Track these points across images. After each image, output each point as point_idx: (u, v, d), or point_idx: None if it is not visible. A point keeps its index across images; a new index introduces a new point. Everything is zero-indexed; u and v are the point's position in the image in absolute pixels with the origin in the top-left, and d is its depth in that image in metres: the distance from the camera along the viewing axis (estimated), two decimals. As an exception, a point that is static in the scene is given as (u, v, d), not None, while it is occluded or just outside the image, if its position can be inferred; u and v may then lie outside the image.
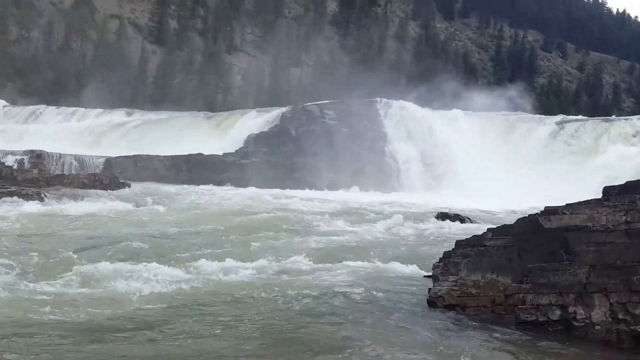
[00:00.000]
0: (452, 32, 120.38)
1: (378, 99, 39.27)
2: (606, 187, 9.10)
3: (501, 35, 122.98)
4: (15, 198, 18.71)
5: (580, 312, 7.91)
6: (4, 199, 18.50)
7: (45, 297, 8.90)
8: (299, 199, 23.62)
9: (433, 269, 10.03)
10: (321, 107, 38.68)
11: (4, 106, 48.99)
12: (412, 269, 11.50)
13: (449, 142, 35.16)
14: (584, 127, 35.35)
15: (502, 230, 9.52)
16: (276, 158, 35.14)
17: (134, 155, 32.78)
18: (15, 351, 6.51)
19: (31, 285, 9.56)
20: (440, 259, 9.99)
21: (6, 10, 69.54)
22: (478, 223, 17.21)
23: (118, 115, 45.68)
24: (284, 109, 39.78)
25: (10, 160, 26.95)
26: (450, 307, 8.94)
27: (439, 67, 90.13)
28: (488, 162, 32.32)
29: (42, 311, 8.10)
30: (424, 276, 10.62)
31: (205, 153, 34.28)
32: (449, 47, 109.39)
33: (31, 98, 56.29)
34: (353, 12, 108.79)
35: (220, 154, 34.77)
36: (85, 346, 6.82)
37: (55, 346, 6.78)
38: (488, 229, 10.13)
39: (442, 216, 18.63)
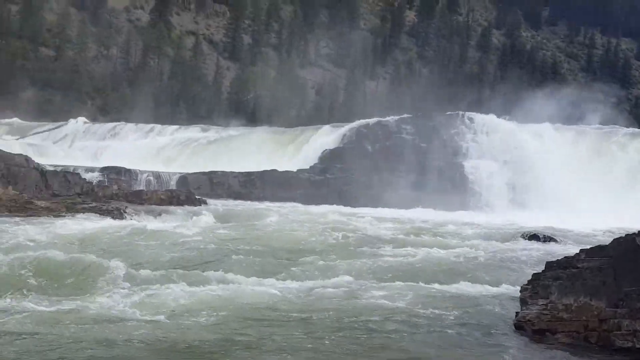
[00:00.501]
0: (538, 40, 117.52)
1: (459, 112, 38.78)
2: None
3: (592, 43, 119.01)
4: (96, 214, 19.50)
5: (683, 339, 7.68)
6: (86, 214, 19.35)
7: (138, 310, 9.34)
8: (375, 218, 23.58)
9: (521, 291, 9.95)
10: (398, 121, 38.45)
11: (85, 123, 50.78)
12: (497, 292, 11.40)
13: (536, 157, 34.33)
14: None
15: (596, 251, 9.35)
16: (351, 175, 35.08)
17: (209, 172, 33.35)
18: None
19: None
20: (528, 281, 9.93)
21: (85, 29, 72.63)
22: (568, 244, 16.82)
23: (193, 132, 46.66)
24: (359, 124, 39.72)
25: (90, 177, 27.95)
26: (539, 332, 8.84)
27: (525, 78, 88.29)
28: (579, 178, 31.43)
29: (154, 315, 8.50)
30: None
31: (279, 169, 34.62)
32: (535, 57, 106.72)
33: (110, 115, 58.71)
34: (432, 22, 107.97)
35: (294, 170, 35.03)
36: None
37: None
38: (581, 250, 9.93)
39: (529, 236, 18.27)
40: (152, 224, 18.62)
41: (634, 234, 8.79)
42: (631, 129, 38.98)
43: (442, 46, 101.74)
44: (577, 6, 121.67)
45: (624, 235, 9.09)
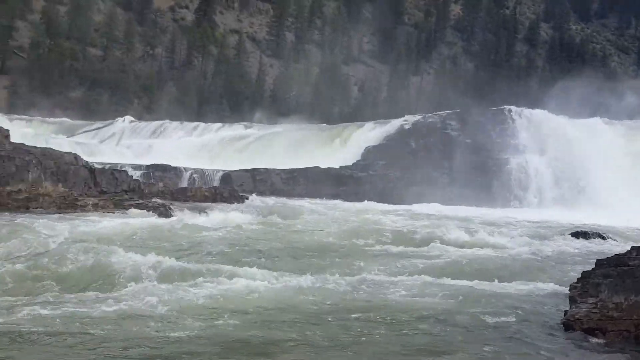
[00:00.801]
0: (588, 33, 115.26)
1: (506, 107, 38.24)
2: None
3: None
4: (142, 211, 19.77)
5: None
6: (132, 211, 19.63)
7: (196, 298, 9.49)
8: (417, 215, 23.47)
9: (570, 289, 9.80)
10: (443, 117, 38.15)
11: (131, 122, 51.67)
12: (544, 290, 11.24)
13: (587, 153, 33.69)
14: None
15: (649, 249, 9.21)
16: (394, 171, 34.96)
17: (252, 169, 33.56)
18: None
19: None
20: (578, 279, 9.78)
21: (131, 29, 73.93)
22: (619, 241, 16.50)
23: (237, 130, 47.14)
24: (402, 120, 39.56)
25: (137, 174, 28.39)
26: (588, 331, 8.64)
27: (575, 71, 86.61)
28: (630, 175, 30.83)
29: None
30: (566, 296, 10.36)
31: (322, 166, 34.66)
32: (585, 50, 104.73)
33: (156, 113, 59.57)
34: (478, 16, 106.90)
35: (337, 167, 35.05)
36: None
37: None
38: (632, 247, 9.81)
39: (579, 233, 17.97)
40: (195, 220, 18.79)
41: (688, 230, 8.60)
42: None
43: (488, 40, 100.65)
44: None
45: (677, 232, 8.89)
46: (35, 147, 24.26)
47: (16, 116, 50.57)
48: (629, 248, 9.77)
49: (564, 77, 71.37)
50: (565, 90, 50.49)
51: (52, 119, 53.81)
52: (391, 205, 28.89)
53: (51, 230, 14.63)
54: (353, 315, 9.25)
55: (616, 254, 9.70)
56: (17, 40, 68.06)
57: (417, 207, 28.10)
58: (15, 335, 7.72)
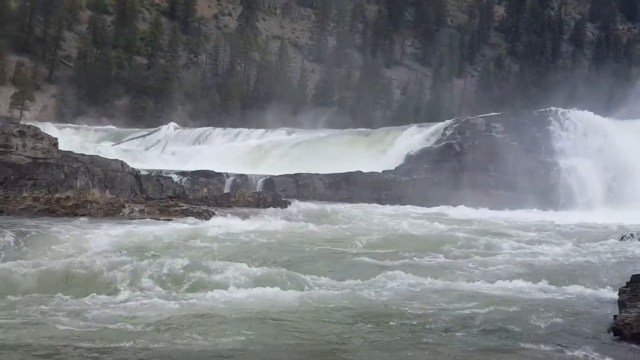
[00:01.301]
0: (636, 33, 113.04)
1: (552, 108, 37.66)
2: None
3: None
4: (187, 217, 20.01)
5: None
6: (178, 217, 19.89)
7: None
8: (462, 219, 23.34)
9: (620, 294, 9.69)
10: (487, 119, 37.69)
11: (176, 129, 52.37)
12: (593, 294, 11.10)
13: (634, 155, 33.10)
14: None
15: (700, 252, 9.04)
16: (438, 175, 34.64)
17: (294, 174, 33.61)
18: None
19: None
20: (627, 283, 9.68)
21: (176, 37, 74.96)
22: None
23: (279, 135, 47.28)
24: (446, 123, 39.21)
25: (182, 180, 28.75)
26: (638, 337, 8.45)
27: (622, 72, 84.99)
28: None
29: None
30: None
31: (365, 171, 34.56)
32: (632, 51, 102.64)
33: (199, 120, 60.34)
34: (522, 17, 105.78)
35: (380, 171, 34.89)
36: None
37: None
38: (683, 250, 9.62)
39: (627, 236, 17.68)
40: (238, 225, 18.92)
41: None
42: None
43: (533, 41, 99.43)
44: None
45: None
46: (83, 154, 24.79)
47: (64, 124, 51.72)
48: (681, 251, 9.60)
49: (611, 77, 70.21)
50: (613, 91, 49.62)
51: (98, 127, 54.91)
52: (435, 208, 28.85)
53: (97, 236, 14.94)
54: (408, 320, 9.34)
55: None
56: (64, 50, 69.63)
57: (462, 212, 27.91)
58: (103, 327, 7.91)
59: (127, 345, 7.66)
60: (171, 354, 7.43)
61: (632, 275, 9.72)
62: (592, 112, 37.38)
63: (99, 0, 76.41)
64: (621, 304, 9.37)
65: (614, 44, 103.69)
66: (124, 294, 10.49)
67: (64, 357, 7.20)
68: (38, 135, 22.96)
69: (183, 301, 10.03)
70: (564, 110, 37.26)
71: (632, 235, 17.89)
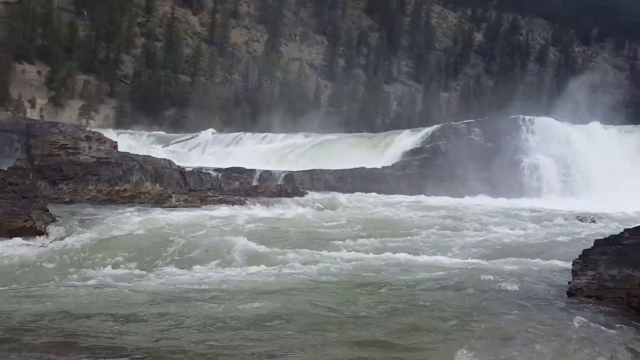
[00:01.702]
0: (589, 54, 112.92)
1: (520, 116, 37.60)
2: None
3: (635, 56, 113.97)
4: (223, 204, 20.16)
5: None
6: (215, 205, 19.99)
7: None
8: (448, 206, 23.30)
9: (573, 264, 9.71)
10: (468, 125, 37.62)
11: (213, 133, 52.52)
12: (551, 265, 11.09)
13: (586, 152, 33.07)
14: None
15: (638, 230, 9.07)
16: (427, 170, 34.66)
17: (310, 170, 33.70)
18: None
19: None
20: (579, 256, 9.67)
21: (213, 59, 75.27)
22: (611, 225, 16.09)
23: (298, 138, 47.27)
24: (434, 128, 39.14)
25: (218, 175, 28.92)
26: (588, 297, 8.58)
27: (577, 86, 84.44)
28: (625, 169, 30.06)
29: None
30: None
31: (367, 167, 34.64)
32: (586, 68, 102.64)
33: (233, 126, 60.43)
34: (497, 42, 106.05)
35: (379, 167, 34.95)
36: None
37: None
38: (625, 229, 9.63)
39: (579, 218, 17.68)
40: (265, 211, 19.06)
41: (674, 214, 8.37)
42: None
43: (505, 62, 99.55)
44: (623, 25, 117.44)
45: (664, 216, 8.67)
46: (137, 155, 25.05)
47: (122, 131, 52.04)
48: (622, 230, 9.61)
49: (568, 90, 69.53)
50: (570, 102, 49.55)
51: (150, 133, 55.14)
52: (423, 196, 28.86)
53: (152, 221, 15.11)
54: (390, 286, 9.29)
55: (611, 235, 9.56)
56: (122, 70, 70.06)
57: (447, 200, 27.82)
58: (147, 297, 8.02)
59: (192, 310, 7.69)
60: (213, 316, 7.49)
61: (583, 249, 9.74)
62: (552, 119, 37.35)
63: (151, 30, 76.73)
64: (574, 272, 9.41)
65: (571, 63, 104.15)
66: (189, 266, 10.50)
67: (133, 319, 7.27)
68: (101, 139, 23.24)
69: (214, 273, 10.06)
70: (530, 117, 37.14)
71: (584, 217, 17.91)
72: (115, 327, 6.76)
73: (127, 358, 5.74)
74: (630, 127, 37.71)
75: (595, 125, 36.38)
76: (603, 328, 7.32)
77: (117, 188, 20.90)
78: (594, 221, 17.40)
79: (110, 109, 64.84)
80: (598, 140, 34.30)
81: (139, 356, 5.80)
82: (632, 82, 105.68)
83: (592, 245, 9.57)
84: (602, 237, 9.69)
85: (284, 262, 10.79)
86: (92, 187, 20.73)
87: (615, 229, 12.07)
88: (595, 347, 6.53)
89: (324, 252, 11.79)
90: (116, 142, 24.04)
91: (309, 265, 10.66)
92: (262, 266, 10.55)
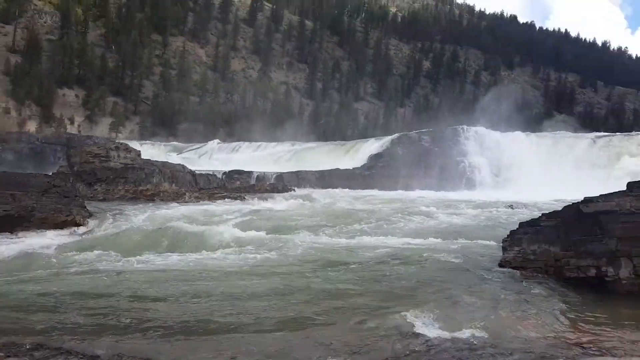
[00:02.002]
0: (513, 77, 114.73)
1: (459, 126, 38.03)
2: (630, 182, 8.41)
3: (548, 77, 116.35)
4: (227, 199, 20.07)
5: (611, 270, 7.42)
6: (221, 200, 19.91)
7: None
8: (406, 197, 23.42)
9: (502, 242, 9.78)
10: (419, 134, 37.95)
11: (218, 143, 52.30)
12: (486, 243, 11.12)
13: (512, 154, 33.44)
14: (612, 141, 32.41)
15: (553, 215, 9.14)
16: (388, 170, 34.85)
17: (296, 171, 33.71)
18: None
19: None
20: (507, 235, 9.73)
21: (217, 83, 74.77)
22: (533, 210, 16.28)
23: (286, 146, 47.27)
24: (393, 136, 39.40)
25: (223, 176, 28.73)
26: (515, 268, 8.68)
27: (504, 102, 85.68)
28: (542, 167, 30.51)
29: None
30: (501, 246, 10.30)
31: (341, 168, 34.74)
32: (510, 88, 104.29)
33: (234, 137, 59.95)
34: (441, 68, 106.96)
35: (351, 168, 35.10)
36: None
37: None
38: (542, 214, 9.67)
39: (508, 206, 17.85)
40: (262, 204, 18.98)
41: (578, 202, 8.52)
42: (577, 134, 37.55)
43: (447, 84, 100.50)
44: (538, 53, 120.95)
45: (571, 203, 8.81)
46: (157, 161, 24.76)
47: (144, 141, 51.41)
48: (540, 214, 9.68)
49: (497, 105, 70.30)
50: (498, 115, 50.26)
51: (167, 143, 54.52)
52: (386, 191, 28.93)
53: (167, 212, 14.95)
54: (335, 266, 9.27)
55: (532, 219, 9.61)
56: (144, 93, 69.18)
57: (404, 194, 27.99)
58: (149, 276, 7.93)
59: (204, 286, 7.60)
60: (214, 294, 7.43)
61: (510, 230, 9.80)
62: (484, 128, 37.75)
63: (166, 60, 75.94)
64: (503, 248, 9.47)
65: (499, 85, 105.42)
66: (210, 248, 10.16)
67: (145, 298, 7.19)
68: (127, 149, 22.93)
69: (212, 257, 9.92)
70: (468, 127, 37.53)
71: (511, 205, 18.07)
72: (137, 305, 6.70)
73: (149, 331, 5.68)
74: (544, 133, 38.41)
75: (518, 133, 36.88)
76: (527, 290, 7.48)
77: (141, 188, 20.67)
78: (522, 208, 17.52)
79: (134, 124, 64.00)
80: (520, 145, 34.70)
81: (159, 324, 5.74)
82: (545, 99, 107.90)
83: (517, 226, 9.66)
84: (525, 221, 9.73)
85: (277, 243, 10.75)
86: (121, 188, 20.47)
87: (534, 214, 12.20)
88: (522, 304, 6.68)
89: (298, 236, 11.63)
90: (140, 151, 23.74)
91: (287, 245, 10.57)
92: (248, 247, 10.41)
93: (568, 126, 46.51)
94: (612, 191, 8.16)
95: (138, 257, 9.51)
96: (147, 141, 53.19)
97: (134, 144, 35.24)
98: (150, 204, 17.64)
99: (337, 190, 28.27)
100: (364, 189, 31.22)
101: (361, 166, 35.49)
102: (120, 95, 66.06)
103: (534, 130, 40.14)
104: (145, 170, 22.25)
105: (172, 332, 5.44)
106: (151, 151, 42.72)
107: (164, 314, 5.96)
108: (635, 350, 4.87)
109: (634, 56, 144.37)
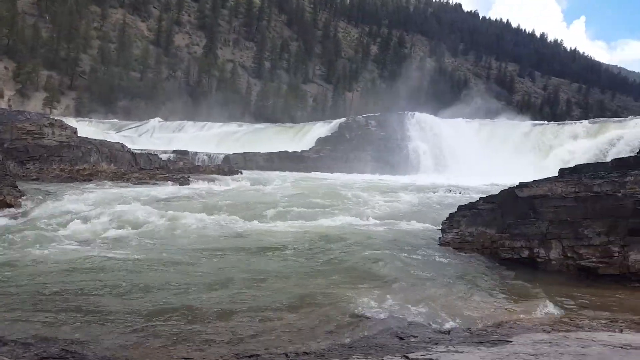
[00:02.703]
0: (456, 65, 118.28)
1: (405, 112, 38.83)
2: (561, 168, 8.93)
3: (490, 66, 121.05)
4: (169, 181, 19.49)
5: (542, 252, 7.87)
6: (162, 181, 19.33)
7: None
8: (353, 180, 23.63)
9: (442, 224, 10.05)
10: (366, 118, 38.46)
11: (159, 122, 50.46)
12: (427, 225, 11.39)
13: (453, 140, 34.54)
14: (547, 129, 34.26)
15: (489, 198, 9.51)
16: (336, 153, 35.20)
17: (243, 153, 33.34)
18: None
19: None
20: (447, 218, 10.02)
21: (160, 59, 71.89)
22: (472, 194, 16.89)
23: (233, 127, 46.51)
24: (341, 120, 39.70)
25: (164, 157, 27.85)
26: (454, 249, 8.97)
27: (448, 89, 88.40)
28: (481, 153, 31.73)
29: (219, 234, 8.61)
30: (438, 229, 10.61)
31: (290, 150, 34.63)
32: (454, 75, 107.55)
33: (177, 116, 58.08)
34: (388, 53, 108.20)
35: (299, 151, 35.08)
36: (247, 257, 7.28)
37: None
38: (480, 197, 10.03)
39: (448, 190, 18.41)
40: (206, 186, 18.62)
41: (513, 187, 8.93)
42: (515, 121, 39.25)
43: (394, 69, 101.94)
44: (481, 42, 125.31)
45: (507, 187, 9.20)
46: (94, 139, 23.57)
47: (81, 119, 48.83)
48: (478, 198, 10.02)
49: (441, 92, 72.67)
50: (442, 101, 51.68)
51: (106, 120, 52.10)
52: (335, 174, 29.20)
53: (108, 194, 14.32)
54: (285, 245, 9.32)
55: (470, 202, 9.91)
56: (81, 67, 65.48)
57: (351, 176, 28.30)
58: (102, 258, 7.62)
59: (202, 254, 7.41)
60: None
61: (449, 213, 10.10)
62: (428, 114, 38.71)
63: (105, 33, 72.03)
64: (443, 230, 9.76)
65: (444, 71, 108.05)
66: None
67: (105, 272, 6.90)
68: (63, 126, 21.65)
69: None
70: (412, 112, 38.38)
71: (451, 189, 18.66)
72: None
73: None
74: (486, 120, 39.68)
75: (460, 120, 38.13)
76: (464, 270, 7.80)
77: (77, 167, 19.66)
78: (461, 191, 18.08)
79: (70, 100, 60.53)
80: (462, 131, 35.87)
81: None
82: (487, 86, 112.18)
83: (456, 209, 9.98)
84: (463, 204, 10.03)
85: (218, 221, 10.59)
86: (56, 167, 19.36)
87: (473, 197, 12.64)
88: (459, 284, 6.97)
89: (248, 221, 11.43)
90: (76, 128, 22.42)
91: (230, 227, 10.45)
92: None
93: (507, 113, 48.68)
94: (545, 177, 8.62)
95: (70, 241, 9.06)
96: (85, 118, 50.51)
97: (70, 121, 33.32)
98: (88, 185, 16.82)
99: (285, 173, 28.15)
100: (312, 171, 31.34)
101: (310, 149, 35.55)
102: (55, 69, 62.10)
103: (474, 117, 41.59)
104: (82, 149, 21.11)
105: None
106: (88, 129, 40.54)
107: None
108: (562, 326, 5.27)
109: (568, 48, 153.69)
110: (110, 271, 6.98)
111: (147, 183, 18.65)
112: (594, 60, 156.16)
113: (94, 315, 5.23)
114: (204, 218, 11.05)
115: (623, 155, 12.41)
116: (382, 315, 5.45)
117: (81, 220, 10.38)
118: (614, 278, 7.21)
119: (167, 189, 16.72)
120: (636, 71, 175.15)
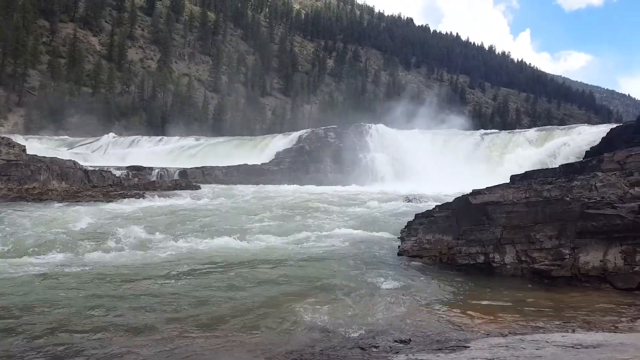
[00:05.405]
0: (409, 78, 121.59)
1: (363, 123, 39.26)
2: (512, 175, 9.23)
3: (441, 78, 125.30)
4: (124, 198, 18.82)
5: (497, 257, 8.03)
6: (116, 199, 18.65)
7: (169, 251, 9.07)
8: (312, 192, 23.54)
9: (400, 233, 10.20)
10: (325, 130, 38.56)
11: (114, 137, 48.90)
12: (386, 234, 11.48)
13: (410, 150, 35.08)
14: (498, 138, 35.43)
15: (445, 206, 9.70)
16: (296, 165, 35.02)
17: (201, 167, 32.63)
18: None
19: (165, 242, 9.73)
20: (405, 226, 10.19)
21: (112, 73, 69.91)
22: (428, 202, 17.16)
23: (190, 141, 45.60)
24: (300, 133, 39.64)
25: (118, 173, 26.94)
26: (412, 257, 9.07)
27: (402, 101, 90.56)
28: (435, 162, 32.36)
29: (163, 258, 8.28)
30: (398, 238, 10.70)
31: (249, 163, 34.24)
32: (407, 88, 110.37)
33: (131, 131, 56.56)
34: (344, 67, 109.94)
35: (259, 163, 34.71)
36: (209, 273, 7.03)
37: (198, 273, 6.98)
38: (436, 205, 10.26)
39: (406, 199, 18.62)
40: (161, 202, 18.08)
41: (467, 194, 9.12)
42: (466, 131, 40.39)
43: (350, 82, 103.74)
44: (432, 55, 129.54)
45: (461, 195, 9.38)
46: (44, 157, 22.54)
47: (30, 136, 46.71)
48: (434, 206, 10.21)
49: (395, 104, 74.16)
50: (397, 113, 52.76)
51: (56, 137, 50.01)
52: (295, 186, 29.00)
53: (59, 213, 13.66)
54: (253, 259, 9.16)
55: (427, 210, 10.10)
56: (29, 83, 62.74)
57: (311, 188, 28.18)
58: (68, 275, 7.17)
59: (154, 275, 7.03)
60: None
61: (408, 221, 10.23)
62: (384, 126, 39.31)
63: (55, 48, 69.42)
64: (401, 238, 9.90)
65: (397, 85, 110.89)
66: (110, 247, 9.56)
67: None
68: (10, 144, 20.62)
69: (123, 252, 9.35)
70: (370, 124, 38.84)
71: (409, 198, 18.90)
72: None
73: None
74: (438, 131, 40.72)
75: (416, 131, 38.93)
76: (422, 275, 7.88)
77: (26, 186, 18.72)
78: (418, 200, 18.30)
79: (18, 117, 57.73)
80: (418, 142, 36.53)
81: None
82: (439, 98, 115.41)
83: (414, 217, 10.15)
84: (420, 212, 10.22)
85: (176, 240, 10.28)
86: (3, 186, 18.33)
87: (431, 205, 12.84)
88: (417, 292, 7.00)
89: (207, 238, 11.18)
90: (24, 146, 21.37)
91: (184, 246, 10.26)
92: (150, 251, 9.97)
93: (459, 123, 50.19)
94: (497, 183, 8.85)
95: (21, 260, 8.53)
96: (34, 135, 48.28)
97: (18, 139, 31.69)
98: (37, 204, 16.00)
99: (246, 187, 27.76)
100: (273, 183, 31.04)
101: (270, 162, 35.25)
102: (1, 85, 59.25)
103: (428, 127, 42.62)
104: (30, 167, 20.13)
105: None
106: (39, 146, 38.89)
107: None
108: (518, 329, 5.36)
109: (515, 60, 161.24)
110: None
111: (102, 201, 17.91)
112: (540, 71, 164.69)
113: None
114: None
115: (570, 161, 12.96)
116: (341, 328, 5.38)
117: (32, 243, 9.81)
118: (566, 280, 7.43)
119: (122, 206, 16.08)
120: (579, 81, 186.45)
